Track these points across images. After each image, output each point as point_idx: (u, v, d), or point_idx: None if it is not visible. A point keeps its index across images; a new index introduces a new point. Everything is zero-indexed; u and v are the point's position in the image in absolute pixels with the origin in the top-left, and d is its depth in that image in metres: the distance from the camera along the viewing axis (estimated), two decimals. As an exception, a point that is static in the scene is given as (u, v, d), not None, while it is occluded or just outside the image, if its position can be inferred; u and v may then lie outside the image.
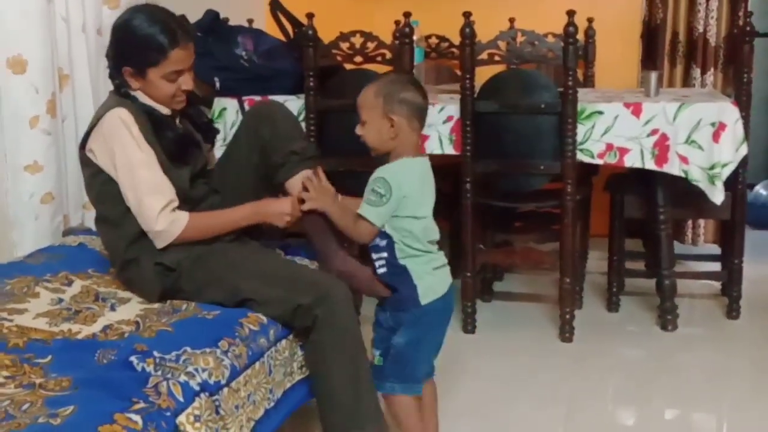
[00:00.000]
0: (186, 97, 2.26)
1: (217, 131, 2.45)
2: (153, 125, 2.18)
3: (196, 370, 1.78)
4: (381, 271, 2.14)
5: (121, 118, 2.13)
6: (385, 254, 2.12)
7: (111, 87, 2.26)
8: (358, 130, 2.12)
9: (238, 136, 2.45)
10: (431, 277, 2.13)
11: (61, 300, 2.17)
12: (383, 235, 2.10)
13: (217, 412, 1.78)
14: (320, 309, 2.04)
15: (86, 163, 2.23)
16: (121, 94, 2.20)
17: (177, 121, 2.31)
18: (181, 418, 1.66)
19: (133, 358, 1.78)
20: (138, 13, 2.18)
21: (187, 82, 2.21)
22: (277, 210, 2.25)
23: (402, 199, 2.06)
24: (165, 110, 2.24)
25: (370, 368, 2.14)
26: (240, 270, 2.15)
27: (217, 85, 3.35)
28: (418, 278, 2.11)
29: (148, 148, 2.16)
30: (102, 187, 2.20)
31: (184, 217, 2.17)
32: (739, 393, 2.82)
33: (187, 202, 2.24)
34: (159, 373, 1.74)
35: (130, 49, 2.16)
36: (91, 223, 2.88)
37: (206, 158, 2.42)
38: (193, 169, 2.30)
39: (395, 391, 2.15)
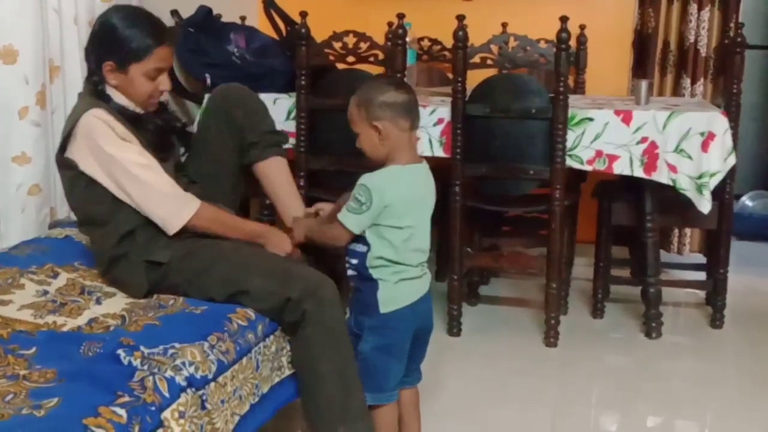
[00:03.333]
0: (158, 102, 2.28)
1: (190, 134, 2.46)
2: (130, 123, 2.18)
3: (183, 364, 1.77)
4: (350, 273, 2.15)
5: (100, 118, 2.13)
6: (356, 261, 2.11)
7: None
8: (357, 144, 2.12)
9: (207, 124, 2.47)
10: (395, 287, 2.10)
11: (46, 292, 2.15)
12: (364, 241, 2.09)
13: (204, 407, 1.77)
14: (309, 303, 2.04)
15: (66, 165, 2.20)
16: (97, 93, 2.18)
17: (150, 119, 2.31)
18: (166, 414, 1.65)
19: (120, 352, 1.77)
20: (123, 11, 2.23)
21: (164, 83, 2.22)
22: (282, 242, 2.27)
23: (383, 209, 2.04)
24: (138, 110, 2.24)
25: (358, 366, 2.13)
26: (232, 261, 2.15)
27: (208, 81, 3.35)
28: (381, 287, 2.10)
29: (133, 137, 2.16)
30: (85, 189, 2.18)
31: (196, 200, 2.19)
32: (722, 401, 2.84)
33: None
34: (146, 367, 1.73)
35: (116, 43, 2.16)
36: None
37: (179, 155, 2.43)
38: (175, 162, 2.31)
39: (366, 401, 2.12)
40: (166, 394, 1.67)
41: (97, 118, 2.12)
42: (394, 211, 2.05)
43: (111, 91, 2.20)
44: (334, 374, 2.06)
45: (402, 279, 2.11)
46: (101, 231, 2.22)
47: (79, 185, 2.20)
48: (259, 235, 2.27)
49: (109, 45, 2.17)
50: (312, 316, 2.05)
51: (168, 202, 2.16)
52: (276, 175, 2.47)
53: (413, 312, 2.14)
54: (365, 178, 2.06)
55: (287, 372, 2.15)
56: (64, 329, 1.94)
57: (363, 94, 2.09)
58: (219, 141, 2.43)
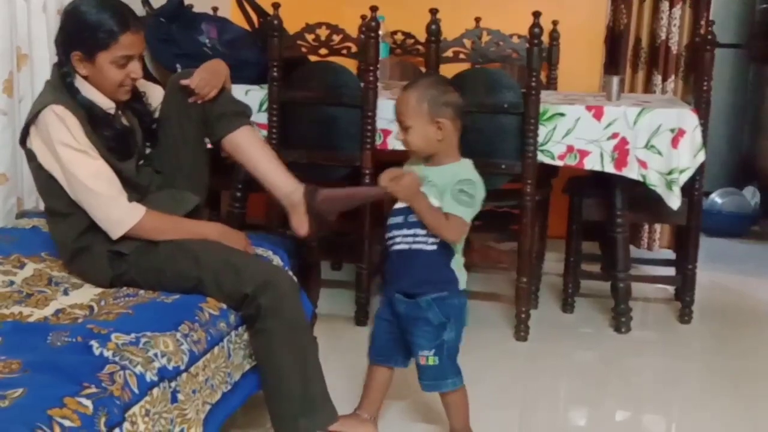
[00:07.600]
0: (132, 89, 2.23)
1: (157, 131, 2.37)
2: (91, 121, 2.15)
3: (156, 355, 1.77)
4: (399, 248, 2.18)
5: (57, 114, 2.09)
6: (435, 238, 2.16)
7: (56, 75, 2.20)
8: (400, 136, 2.17)
9: (168, 114, 2.37)
10: (461, 270, 2.23)
11: (12, 282, 2.13)
12: None
13: (174, 400, 1.77)
14: (264, 298, 2.05)
15: (30, 157, 2.18)
16: (65, 85, 2.15)
17: (120, 114, 2.26)
18: (134, 410, 1.64)
19: (93, 342, 1.75)
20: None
21: (135, 71, 2.18)
22: (240, 241, 2.27)
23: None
24: (108, 104, 2.20)
25: (319, 362, 2.15)
26: (186, 258, 2.13)
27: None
28: (456, 265, 2.21)
29: (87, 141, 2.12)
30: (47, 181, 2.16)
31: (140, 210, 2.15)
32: (689, 396, 2.87)
33: (137, 190, 2.22)
34: (117, 358, 1.71)
35: (81, 33, 2.12)
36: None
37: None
38: (138, 158, 2.27)
39: (457, 385, 2.23)
40: (136, 390, 1.67)
41: (53, 114, 2.08)
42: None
43: (80, 83, 2.16)
44: (293, 367, 2.07)
45: (463, 264, 2.24)
46: (65, 223, 2.19)
47: (41, 177, 2.18)
48: (220, 235, 2.24)
49: (76, 34, 2.14)
50: (268, 310, 2.05)
51: (112, 211, 2.12)
52: (250, 143, 2.36)
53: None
54: (465, 173, 2.16)
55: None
56: (30, 320, 1.92)
57: (426, 90, 2.14)
58: (177, 128, 2.35)
